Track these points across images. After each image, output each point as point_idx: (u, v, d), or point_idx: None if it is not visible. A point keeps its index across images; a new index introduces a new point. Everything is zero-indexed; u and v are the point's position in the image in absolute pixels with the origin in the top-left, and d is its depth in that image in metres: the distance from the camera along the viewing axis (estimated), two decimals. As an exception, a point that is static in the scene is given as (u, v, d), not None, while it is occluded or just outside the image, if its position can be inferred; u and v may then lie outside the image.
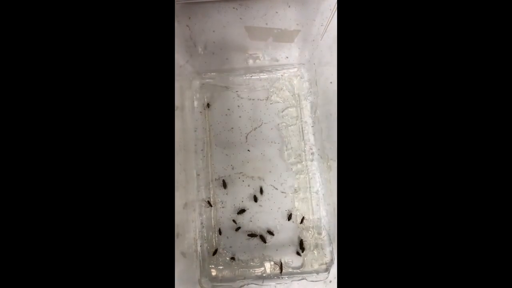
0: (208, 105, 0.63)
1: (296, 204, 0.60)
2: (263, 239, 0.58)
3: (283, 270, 0.57)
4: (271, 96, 0.64)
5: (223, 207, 0.60)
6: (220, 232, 0.59)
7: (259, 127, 0.63)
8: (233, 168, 0.61)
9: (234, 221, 0.59)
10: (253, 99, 0.64)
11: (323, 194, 0.60)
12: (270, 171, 0.61)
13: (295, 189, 0.60)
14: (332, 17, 0.49)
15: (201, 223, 0.60)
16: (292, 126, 0.63)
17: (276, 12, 0.53)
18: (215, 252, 0.58)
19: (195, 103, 0.64)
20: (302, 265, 0.58)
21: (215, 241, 0.59)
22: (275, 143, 0.62)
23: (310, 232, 0.59)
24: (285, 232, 0.59)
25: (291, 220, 0.59)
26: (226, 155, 0.62)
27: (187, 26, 0.54)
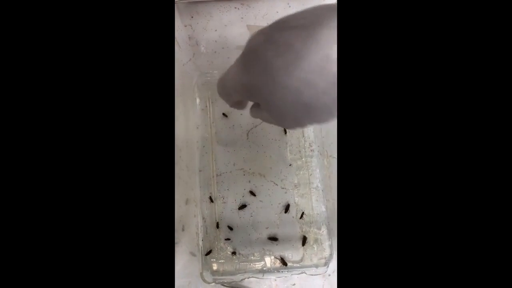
0: (224, 114, 0.65)
1: (296, 199, 0.61)
2: (283, 262, 0.59)
3: (282, 264, 0.59)
4: (272, 94, 0.65)
5: (224, 203, 0.61)
6: (217, 226, 0.60)
7: (260, 124, 0.64)
8: (234, 165, 0.62)
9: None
10: (254, 97, 0.65)
11: (322, 190, 0.61)
12: (270, 168, 0.62)
13: (295, 185, 0.62)
14: (331, 17, 0.50)
15: (203, 218, 0.61)
16: (292, 124, 0.64)
17: (277, 12, 0.54)
18: (208, 253, 0.59)
19: (198, 100, 0.65)
20: (301, 259, 0.59)
21: (216, 235, 0.60)
22: (275, 140, 0.63)
23: (310, 227, 0.61)
24: (285, 226, 0.60)
25: (290, 214, 0.61)
26: (228, 151, 0.63)
27: (189, 25, 0.55)
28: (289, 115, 0.28)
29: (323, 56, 0.24)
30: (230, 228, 0.60)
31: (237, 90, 0.30)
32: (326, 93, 0.25)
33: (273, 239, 0.60)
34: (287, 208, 0.61)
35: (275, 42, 0.26)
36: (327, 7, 0.26)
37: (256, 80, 0.28)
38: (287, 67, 0.25)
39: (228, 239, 0.60)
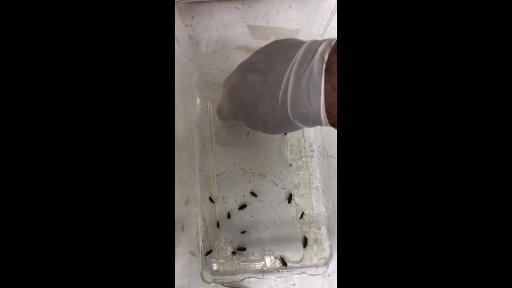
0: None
1: (296, 200, 0.61)
2: (283, 263, 0.59)
3: (282, 264, 0.59)
4: (272, 94, 0.65)
5: (224, 203, 0.61)
6: (218, 225, 0.60)
7: (260, 124, 0.64)
8: (234, 165, 0.62)
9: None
10: (255, 97, 0.65)
11: (322, 190, 0.61)
12: (270, 168, 0.62)
13: (295, 185, 0.62)
14: (332, 18, 0.50)
15: (203, 218, 0.61)
16: (292, 124, 0.64)
17: (277, 12, 0.54)
18: (208, 253, 0.59)
19: (198, 100, 0.65)
20: (301, 260, 0.59)
21: (216, 235, 0.60)
22: (275, 140, 0.63)
23: (309, 227, 0.61)
24: (285, 226, 0.60)
25: (290, 215, 0.61)
26: (228, 151, 0.63)
27: (190, 25, 0.55)
28: (262, 131, 0.39)
29: (272, 99, 0.32)
30: (228, 216, 0.60)
31: (228, 115, 0.42)
32: (284, 120, 0.33)
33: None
34: (290, 199, 0.61)
35: (245, 83, 0.35)
36: (277, 50, 0.34)
37: (236, 111, 0.39)
38: (253, 103, 0.35)
39: (244, 231, 0.60)
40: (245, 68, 0.37)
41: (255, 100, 0.34)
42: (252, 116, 0.36)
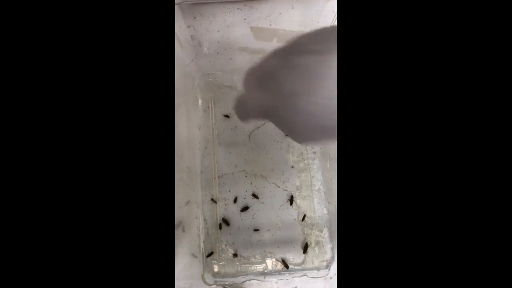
0: (226, 115, 0.65)
1: (298, 202, 0.61)
2: (285, 265, 0.59)
3: (283, 267, 0.58)
4: (274, 96, 0.65)
5: (225, 204, 0.61)
6: (220, 227, 0.60)
7: (262, 126, 0.64)
8: (236, 166, 0.62)
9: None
10: (257, 99, 0.65)
11: (324, 192, 0.61)
12: (272, 169, 0.62)
13: (297, 187, 0.61)
14: (335, 19, 0.50)
15: (204, 220, 0.61)
16: (294, 125, 0.64)
17: (280, 13, 0.54)
18: (209, 255, 0.59)
19: (200, 101, 0.65)
20: (303, 262, 0.59)
21: (217, 237, 0.60)
22: (277, 141, 0.63)
23: (311, 229, 0.60)
24: (287, 229, 0.60)
25: (292, 217, 0.60)
26: (230, 153, 0.63)
27: (192, 26, 0.55)
28: (294, 135, 0.30)
29: (334, 85, 0.25)
30: (235, 201, 0.60)
31: (254, 110, 0.32)
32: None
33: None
34: (291, 201, 0.60)
35: (290, 67, 0.28)
36: (333, 30, 0.27)
37: (269, 103, 0.30)
38: (298, 93, 0.27)
39: (257, 229, 0.60)
40: (289, 51, 0.29)
41: (301, 88, 0.27)
42: (293, 110, 0.28)
